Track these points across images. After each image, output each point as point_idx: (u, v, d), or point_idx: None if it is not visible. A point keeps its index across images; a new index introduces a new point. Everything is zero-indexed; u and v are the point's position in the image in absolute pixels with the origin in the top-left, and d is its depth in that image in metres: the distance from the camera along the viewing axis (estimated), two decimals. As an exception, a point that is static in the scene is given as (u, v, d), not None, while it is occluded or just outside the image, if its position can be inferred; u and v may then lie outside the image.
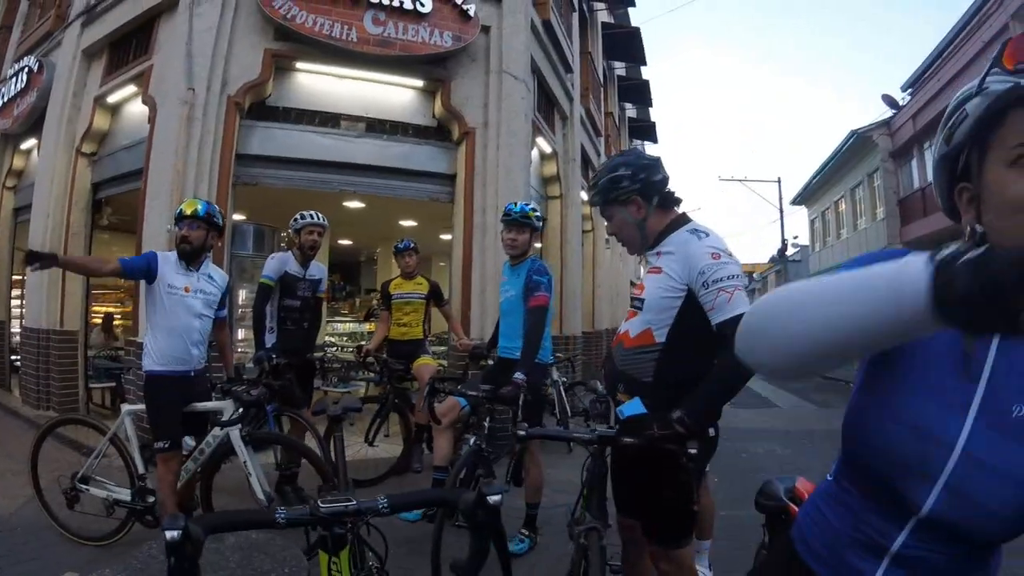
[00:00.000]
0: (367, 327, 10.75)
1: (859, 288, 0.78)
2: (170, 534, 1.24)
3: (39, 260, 3.36)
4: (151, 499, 3.88)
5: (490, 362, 4.65)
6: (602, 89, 14.69)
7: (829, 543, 1.17)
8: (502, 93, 7.30)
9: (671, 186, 2.50)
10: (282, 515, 1.48)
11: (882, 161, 21.58)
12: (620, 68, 18.01)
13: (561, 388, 7.03)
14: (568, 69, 10.27)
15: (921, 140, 18.98)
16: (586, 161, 12.01)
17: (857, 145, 22.98)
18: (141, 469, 3.97)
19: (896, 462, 1.03)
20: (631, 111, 22.07)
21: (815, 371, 0.91)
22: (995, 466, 0.95)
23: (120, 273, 3.78)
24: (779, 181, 30.01)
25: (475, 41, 7.21)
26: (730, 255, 2.25)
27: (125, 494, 3.96)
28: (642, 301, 2.37)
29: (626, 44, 15.87)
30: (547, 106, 9.56)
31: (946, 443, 0.98)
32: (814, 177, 28.84)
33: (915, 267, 0.71)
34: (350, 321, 11.48)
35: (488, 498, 1.53)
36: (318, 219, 5.16)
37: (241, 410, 3.85)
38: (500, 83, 7.32)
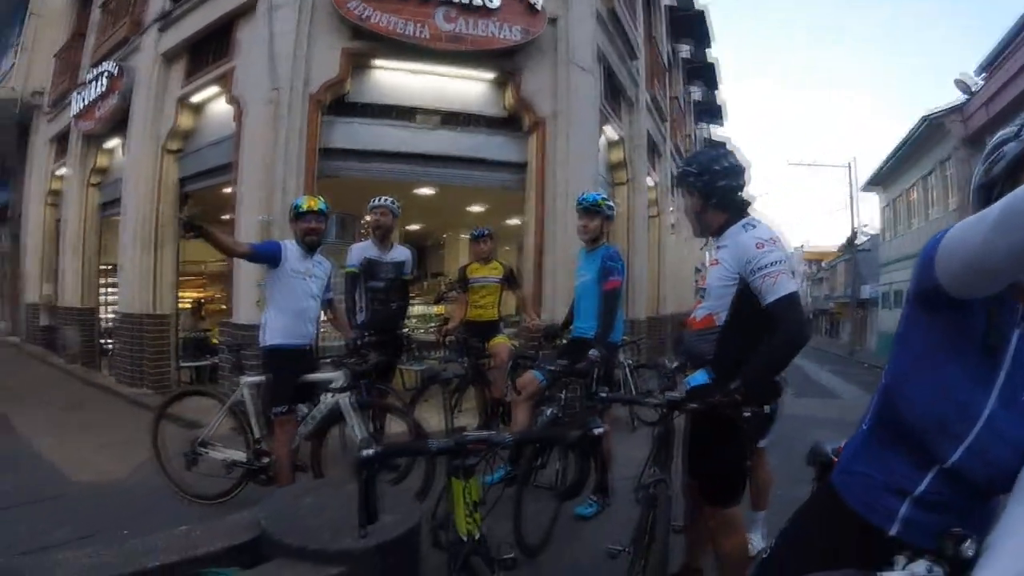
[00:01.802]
0: (436, 309, 11.43)
1: None
2: (365, 453, 1.82)
3: (194, 230, 4.00)
4: (265, 460, 4.55)
5: (563, 341, 5.14)
6: (667, 73, 15.02)
7: (862, 484, 1.44)
8: (570, 83, 7.86)
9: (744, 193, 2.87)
10: (433, 444, 2.06)
11: (955, 149, 21.26)
12: (685, 50, 18.26)
13: (627, 370, 7.51)
14: (633, 55, 10.75)
15: (995, 129, 18.57)
16: (652, 146, 12.39)
17: (929, 132, 22.56)
18: (257, 433, 4.64)
19: (931, 422, 1.29)
20: (697, 93, 22.27)
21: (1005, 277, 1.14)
22: (1008, 436, 1.24)
23: (250, 255, 4.52)
24: (850, 166, 29.53)
25: (543, 33, 7.77)
26: (775, 243, 2.59)
27: (241, 456, 4.63)
28: (705, 290, 2.84)
29: (691, 26, 16.14)
30: (613, 93, 10.08)
31: (974, 413, 1.26)
32: (886, 163, 28.37)
33: None
34: (420, 303, 12.11)
35: (592, 430, 2.07)
36: (384, 202, 5.81)
37: (352, 379, 4.56)
38: (568, 73, 7.88)
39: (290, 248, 4.59)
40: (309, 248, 4.62)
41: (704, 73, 19.81)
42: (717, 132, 28.83)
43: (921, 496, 1.30)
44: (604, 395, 3.16)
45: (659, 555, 2.62)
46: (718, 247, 2.84)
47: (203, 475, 4.69)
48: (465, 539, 2.01)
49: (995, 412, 1.24)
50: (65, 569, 2.63)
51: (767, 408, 2.82)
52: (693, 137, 22.64)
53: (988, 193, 1.30)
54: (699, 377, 2.79)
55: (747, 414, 2.49)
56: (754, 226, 2.70)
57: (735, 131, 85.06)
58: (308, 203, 4.64)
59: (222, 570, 2.76)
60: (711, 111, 23.76)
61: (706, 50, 18.82)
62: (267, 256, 4.50)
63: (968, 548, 1.13)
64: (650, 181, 11.57)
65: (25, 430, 6.81)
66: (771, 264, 2.52)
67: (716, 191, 2.81)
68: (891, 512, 1.31)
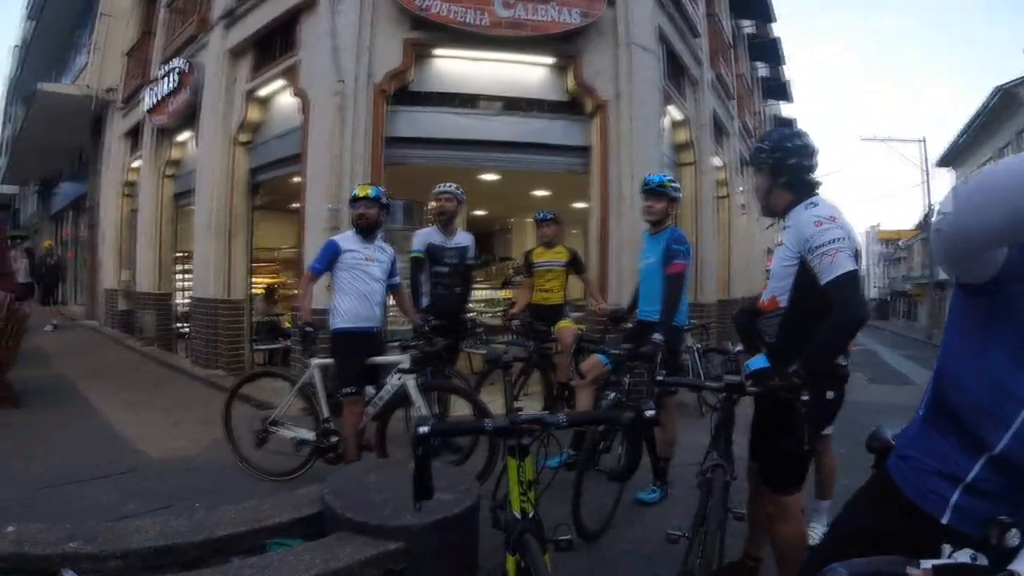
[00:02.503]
0: (502, 294, 11.62)
1: None
2: (421, 430, 1.93)
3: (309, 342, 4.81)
4: (333, 439, 4.81)
5: (629, 324, 5.21)
6: (731, 50, 14.83)
7: (914, 470, 1.45)
8: (631, 64, 7.91)
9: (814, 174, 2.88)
10: (489, 424, 2.16)
11: None
12: (749, 26, 17.98)
13: (696, 354, 7.56)
14: (695, 33, 10.69)
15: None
16: (718, 126, 12.29)
17: (1003, 103, 21.73)
18: (325, 413, 4.88)
19: (978, 408, 1.28)
20: (763, 70, 21.90)
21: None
22: None
23: (321, 273, 4.88)
24: (923, 141, 28.63)
25: (602, 15, 7.84)
26: (834, 221, 2.58)
27: (310, 435, 4.88)
28: (769, 272, 2.91)
29: (753, 2, 15.90)
30: (676, 73, 10.05)
31: (1019, 398, 1.23)
32: (960, 137, 27.38)
33: None
34: (486, 288, 12.33)
35: (645, 412, 2.18)
36: (449, 188, 6.04)
37: (418, 361, 4.80)
38: (629, 55, 7.93)
39: (347, 238, 4.91)
40: (362, 233, 4.88)
41: (768, 50, 19.46)
42: (785, 110, 28.32)
43: (972, 484, 1.30)
44: (661, 379, 3.19)
45: (711, 541, 2.60)
46: (784, 228, 2.87)
47: (273, 453, 4.99)
48: (519, 517, 2.11)
49: None
50: (140, 536, 2.89)
51: (830, 394, 2.80)
52: (762, 115, 22.29)
53: None
54: (759, 361, 2.81)
55: (805, 398, 2.50)
56: (815, 204, 2.72)
57: (803, 108, 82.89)
58: (360, 190, 4.94)
59: (286, 540, 2.99)
60: (778, 88, 23.30)
61: (769, 26, 18.50)
62: (329, 261, 4.83)
63: (1012, 537, 1.10)
64: (717, 161, 11.47)
65: (103, 408, 7.28)
66: (829, 242, 2.52)
67: (785, 169, 2.84)
68: (943, 499, 1.31)
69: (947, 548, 1.12)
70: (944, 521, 1.27)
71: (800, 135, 2.91)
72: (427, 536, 2.76)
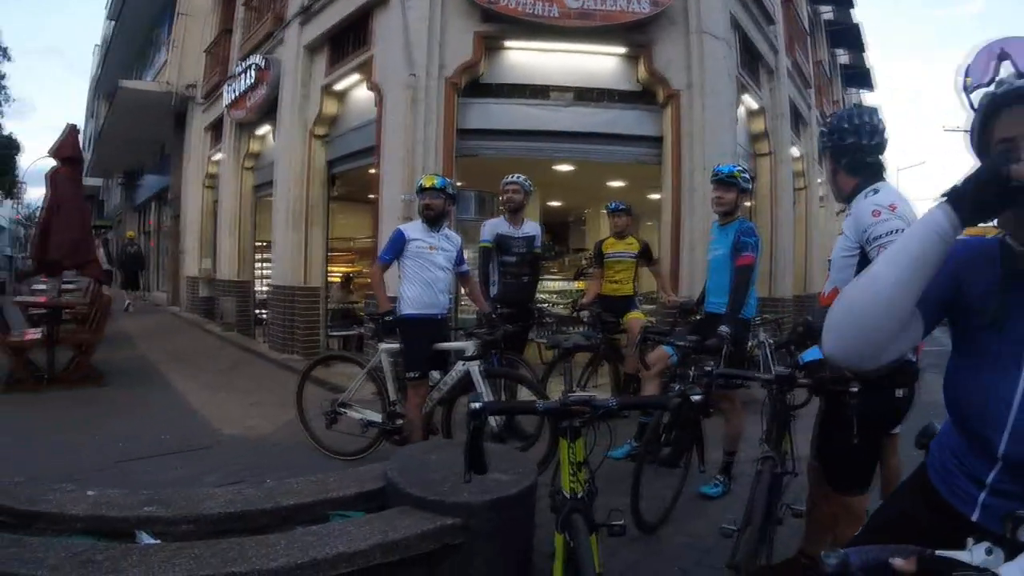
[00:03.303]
0: (576, 285, 11.74)
1: (904, 239, 1.20)
2: (474, 406, 2.06)
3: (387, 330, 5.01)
4: (399, 421, 5.03)
5: (698, 316, 5.21)
6: (808, 37, 14.53)
7: (946, 470, 1.43)
8: (704, 53, 7.88)
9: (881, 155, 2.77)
10: (540, 405, 2.31)
11: None
12: (828, 12, 17.56)
13: (768, 349, 7.51)
14: (770, 20, 10.53)
15: None
16: (796, 115, 12.08)
17: None
18: (393, 396, 5.11)
19: (975, 415, 1.26)
20: (843, 57, 21.31)
21: (887, 336, 1.23)
22: None
23: (388, 265, 5.04)
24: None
25: (673, 4, 7.82)
26: (893, 210, 2.49)
27: (377, 417, 5.12)
28: (830, 262, 2.82)
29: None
30: (751, 61, 9.95)
31: (1006, 399, 1.22)
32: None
33: (935, 207, 1.14)
34: (559, 279, 12.44)
35: (691, 398, 2.26)
36: (516, 179, 6.14)
37: (481, 348, 4.97)
38: (701, 43, 7.89)
39: (414, 227, 5.09)
40: (429, 222, 5.05)
41: (849, 36, 18.94)
42: (868, 99, 27.49)
43: (993, 485, 1.27)
44: (709, 370, 3.12)
45: (752, 534, 2.60)
46: (846, 215, 2.81)
47: (342, 433, 5.24)
48: (568, 496, 2.19)
49: None
50: (211, 502, 3.08)
51: (900, 391, 2.66)
52: (842, 104, 21.74)
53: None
54: (812, 353, 2.81)
55: (854, 390, 2.45)
56: (876, 191, 2.63)
57: (887, 97, 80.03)
58: (426, 181, 5.09)
59: (349, 512, 3.13)
60: (860, 76, 22.66)
61: (850, 11, 18.02)
62: (397, 251, 5.00)
63: None
64: (795, 151, 11.28)
65: (183, 389, 7.75)
66: (887, 234, 2.46)
67: (844, 150, 2.76)
68: (972, 498, 1.29)
69: (971, 541, 1.12)
70: (974, 519, 1.26)
71: (861, 113, 2.80)
72: (484, 513, 2.85)
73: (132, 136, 19.42)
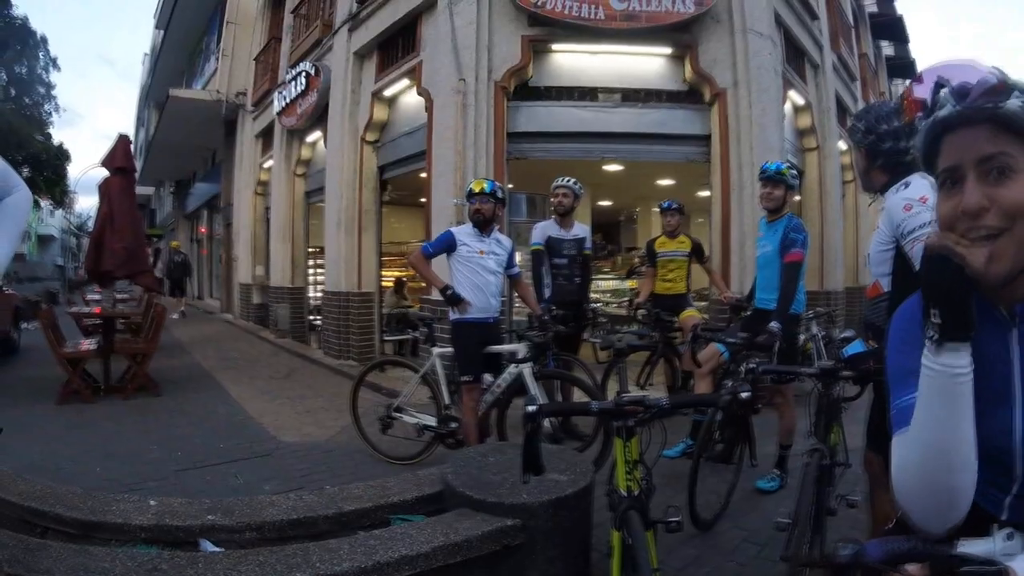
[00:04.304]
0: (628, 284, 11.82)
1: (922, 407, 1.11)
2: (530, 409, 2.06)
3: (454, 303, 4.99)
4: (453, 425, 5.09)
5: (748, 313, 5.27)
6: (853, 30, 14.42)
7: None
8: (749, 51, 7.92)
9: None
10: (595, 406, 2.36)
11: None
12: (871, 4, 17.40)
13: (821, 342, 7.55)
14: (813, 16, 10.50)
15: None
16: (843, 109, 11.99)
17: None
18: (447, 400, 5.18)
19: (985, 445, 1.13)
20: (888, 48, 21.05)
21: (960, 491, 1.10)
22: None
23: (431, 257, 5.13)
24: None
25: (717, 3, 7.89)
26: (924, 203, 2.44)
27: (432, 421, 5.20)
28: (869, 256, 2.83)
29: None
30: (796, 57, 9.93)
31: (1009, 430, 1.16)
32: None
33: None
34: (612, 278, 12.51)
35: (740, 394, 2.30)
36: (566, 182, 6.23)
37: (533, 350, 5.06)
38: (746, 41, 7.94)
39: (463, 231, 5.16)
40: (479, 227, 5.13)
41: (893, 28, 18.78)
42: (914, 89, 27.05)
43: (1017, 493, 1.20)
44: (754, 366, 3.10)
45: (802, 526, 2.65)
46: (880, 209, 2.81)
47: (397, 438, 5.33)
48: (625, 494, 2.25)
49: None
50: (274, 509, 3.17)
51: None
52: (888, 95, 21.46)
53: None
54: (856, 346, 2.88)
55: None
56: (907, 185, 2.61)
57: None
58: (476, 185, 5.17)
59: (409, 516, 3.20)
60: (904, 67, 22.37)
61: (892, 3, 17.84)
62: (442, 248, 5.10)
63: None
64: (843, 145, 11.21)
65: (239, 396, 7.87)
66: (919, 227, 2.43)
67: (881, 153, 2.74)
68: (999, 501, 1.21)
69: (995, 527, 1.13)
70: (1003, 519, 1.18)
71: (896, 114, 2.74)
72: (542, 514, 2.90)
73: (182, 144, 19.90)
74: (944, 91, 1.14)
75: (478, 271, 5.06)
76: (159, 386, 7.87)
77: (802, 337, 6.21)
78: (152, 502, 3.21)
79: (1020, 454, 1.15)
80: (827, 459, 2.94)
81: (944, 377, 1.07)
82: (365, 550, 2.64)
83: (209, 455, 5.52)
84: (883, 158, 2.75)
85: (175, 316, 16.19)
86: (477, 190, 5.12)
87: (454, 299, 4.93)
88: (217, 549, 2.88)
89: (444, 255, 5.12)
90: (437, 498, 3.30)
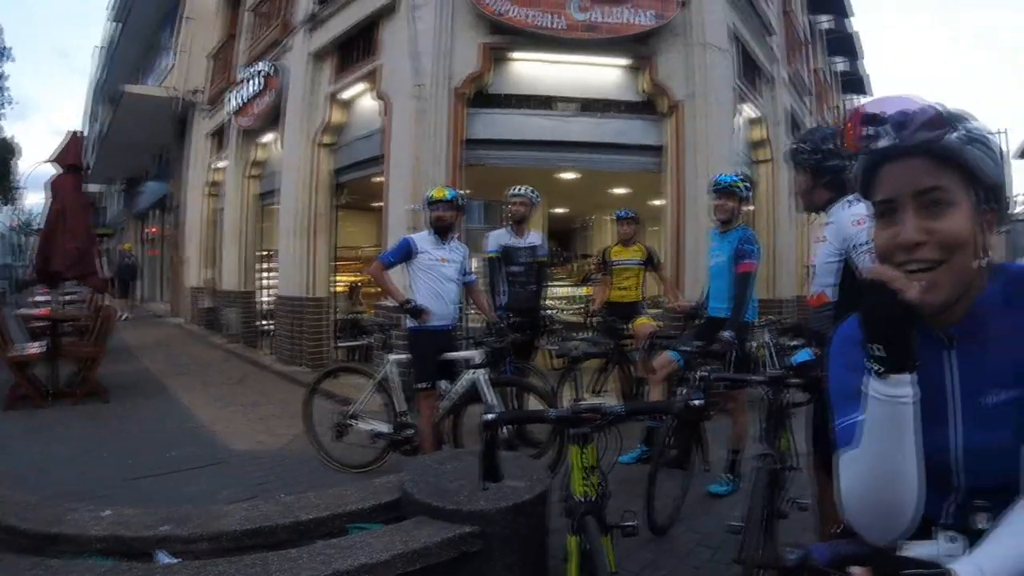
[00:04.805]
0: (582, 291, 11.89)
1: (869, 432, 1.15)
2: (488, 417, 2.18)
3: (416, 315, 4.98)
4: (408, 432, 5.10)
5: (700, 321, 5.35)
6: (807, 46, 14.75)
7: None
8: (705, 65, 8.09)
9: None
10: (551, 413, 2.45)
11: None
12: (826, 21, 17.84)
13: (772, 349, 7.68)
14: (769, 31, 10.76)
15: None
16: (795, 123, 12.27)
17: None
18: (401, 407, 5.18)
19: (926, 464, 1.17)
20: (841, 65, 21.64)
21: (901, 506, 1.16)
22: (985, 448, 1.20)
23: (388, 266, 5.15)
24: (1004, 133, 27.85)
25: (675, 16, 8.03)
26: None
27: (386, 428, 5.17)
28: (812, 267, 2.99)
29: (829, -3, 15.82)
30: (751, 71, 10.13)
31: (946, 446, 1.23)
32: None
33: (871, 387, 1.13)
34: (566, 285, 12.55)
35: (692, 402, 2.37)
36: (523, 191, 6.27)
37: (488, 357, 5.08)
38: (702, 55, 8.11)
39: (422, 238, 5.18)
40: (438, 234, 5.16)
41: (846, 44, 19.32)
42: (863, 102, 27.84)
43: (956, 499, 1.27)
44: (707, 373, 3.33)
45: (754, 529, 2.75)
46: (825, 224, 2.97)
47: (351, 446, 5.32)
48: (581, 500, 2.28)
49: (969, 437, 1.22)
50: (229, 519, 3.12)
51: None
52: (840, 110, 22.00)
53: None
54: (803, 355, 3.00)
55: None
56: (851, 203, 2.76)
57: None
58: (437, 193, 5.20)
59: (367, 524, 3.18)
60: (856, 83, 23.02)
61: (847, 20, 18.34)
62: (402, 257, 5.11)
63: (979, 520, 1.16)
64: (792, 157, 11.46)
65: (190, 403, 7.75)
66: (867, 242, 2.51)
67: (827, 170, 2.87)
68: (940, 507, 1.27)
69: (936, 531, 1.20)
70: (941, 521, 1.25)
71: (839, 135, 2.92)
72: (500, 520, 2.92)
73: (134, 142, 19.41)
74: (885, 123, 1.16)
75: (438, 279, 5.10)
76: (108, 392, 7.71)
77: (754, 344, 6.35)
78: (106, 512, 3.14)
79: (958, 468, 1.22)
80: (777, 463, 3.05)
81: (890, 405, 1.11)
82: (324, 559, 2.63)
83: (161, 463, 5.45)
84: (828, 175, 2.87)
85: (122, 318, 15.82)
86: (439, 197, 5.15)
87: (416, 311, 4.94)
88: (173, 560, 2.84)
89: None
90: (395, 506, 3.30)
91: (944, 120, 1.11)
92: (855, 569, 1.10)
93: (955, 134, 1.11)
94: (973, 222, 1.13)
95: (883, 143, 1.15)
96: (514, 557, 2.99)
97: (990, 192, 1.16)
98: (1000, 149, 1.15)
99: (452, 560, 2.85)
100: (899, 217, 1.16)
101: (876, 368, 1.12)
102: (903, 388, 1.10)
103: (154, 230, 23.10)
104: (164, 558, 2.85)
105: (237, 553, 2.84)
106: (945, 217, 1.12)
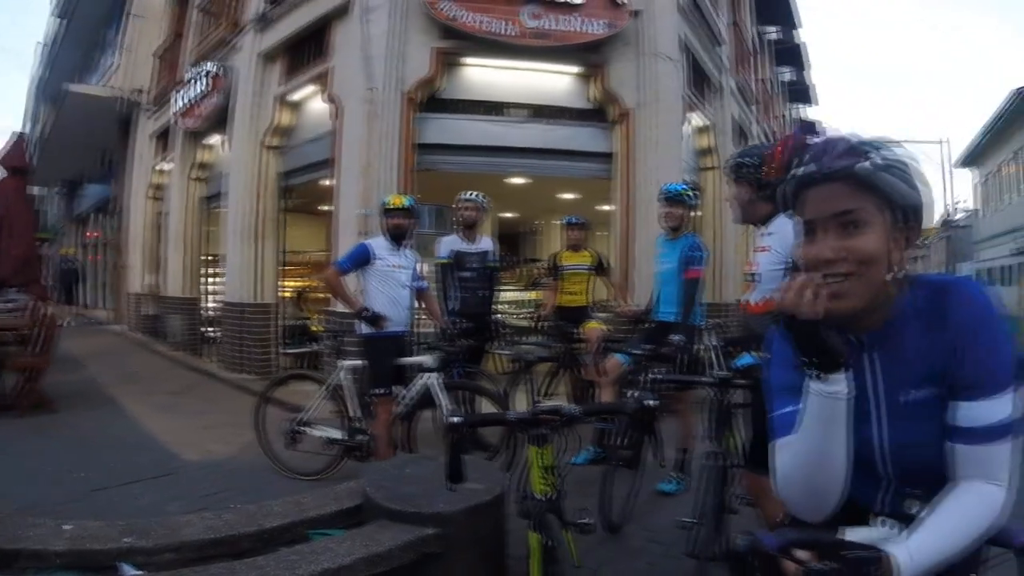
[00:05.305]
0: (530, 295, 11.95)
1: (807, 423, 1.28)
2: (453, 419, 2.25)
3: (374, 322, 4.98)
4: (361, 437, 5.10)
5: (648, 325, 5.47)
6: (754, 57, 15.08)
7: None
8: (655, 74, 8.24)
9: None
10: (512, 415, 2.50)
11: None
12: (773, 33, 18.25)
13: (715, 352, 7.81)
14: (718, 42, 11.01)
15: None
16: (740, 131, 12.55)
17: (1022, 105, 22.17)
18: (354, 413, 5.18)
19: (855, 456, 1.31)
20: (788, 75, 22.16)
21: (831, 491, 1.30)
22: (907, 442, 1.32)
23: (345, 273, 5.16)
24: (944, 142, 29.03)
25: (627, 26, 8.16)
26: None
27: (339, 434, 5.16)
28: (755, 275, 3.13)
29: (777, 9, 16.16)
30: (699, 81, 10.36)
31: (871, 440, 1.35)
32: (980, 138, 27.93)
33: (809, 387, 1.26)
34: (514, 289, 12.55)
35: (645, 402, 2.49)
36: (473, 196, 6.32)
37: (442, 361, 5.14)
38: (652, 64, 8.26)
39: (379, 244, 5.20)
40: (394, 240, 5.20)
41: (793, 55, 19.80)
42: (809, 113, 28.53)
43: (888, 488, 1.39)
44: (658, 376, 3.51)
45: (706, 525, 2.91)
46: (765, 234, 3.13)
47: (303, 453, 5.26)
48: (541, 499, 2.38)
49: (891, 432, 1.34)
50: (191, 529, 3.08)
51: None
52: (784, 119, 22.52)
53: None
54: (746, 358, 3.13)
55: None
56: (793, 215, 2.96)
57: (827, 111, 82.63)
58: (394, 200, 5.25)
59: (329, 531, 3.19)
60: (802, 92, 23.62)
61: (794, 31, 18.79)
62: (358, 263, 5.12)
63: (911, 507, 1.31)
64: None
65: (137, 413, 7.53)
66: None
67: (769, 184, 3.06)
68: (873, 496, 1.39)
69: (873, 517, 1.35)
70: (881, 511, 1.38)
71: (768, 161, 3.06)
72: (460, 522, 2.99)
73: (76, 143, 18.60)
74: (807, 153, 1.30)
75: (394, 285, 5.14)
76: (54, 402, 7.48)
77: (700, 347, 6.49)
78: (67, 526, 3.07)
79: (884, 460, 1.35)
80: (724, 461, 3.20)
81: (828, 400, 1.24)
82: (288, 564, 2.65)
83: (112, 475, 5.30)
84: (770, 187, 2.94)
85: (64, 323, 15.31)
86: (398, 205, 5.20)
87: (374, 319, 4.94)
88: (137, 572, 2.81)
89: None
90: (356, 511, 3.32)
91: (858, 150, 1.24)
92: (800, 552, 1.18)
93: (868, 162, 1.22)
94: (887, 240, 1.26)
95: (804, 170, 1.29)
96: (475, 557, 3.08)
97: (904, 212, 1.27)
98: (916, 172, 1.28)
99: (414, 562, 2.90)
100: (819, 236, 1.29)
101: (814, 373, 1.24)
102: (839, 385, 1.23)
103: (94, 234, 22.47)
104: (129, 570, 2.82)
105: (201, 563, 2.84)
106: (859, 236, 1.25)
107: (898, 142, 1.30)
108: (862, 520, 1.35)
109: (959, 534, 1.21)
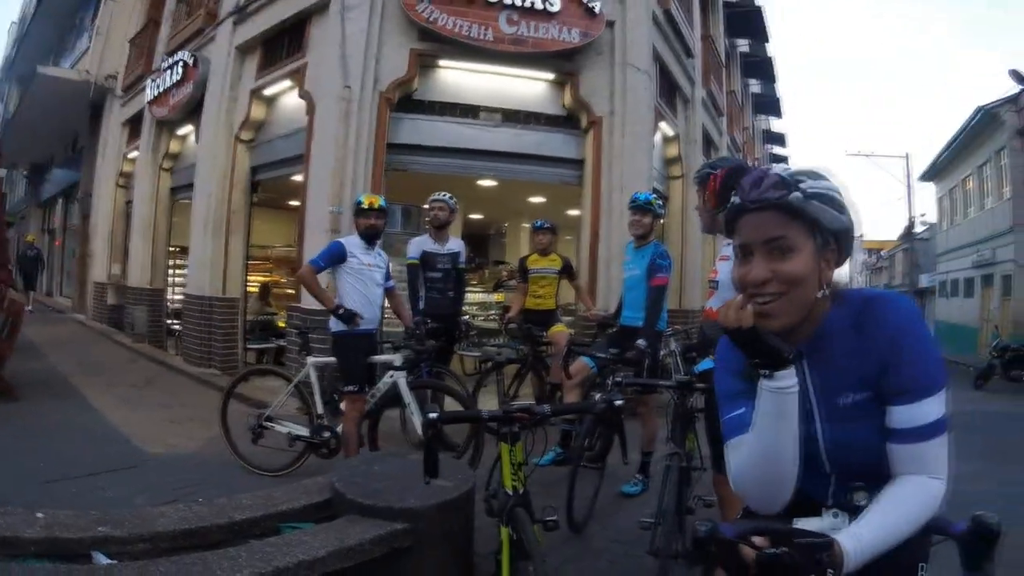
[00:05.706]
0: (495, 297, 12.03)
1: (761, 420, 1.39)
2: (430, 416, 2.38)
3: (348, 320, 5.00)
4: (326, 434, 5.13)
5: (613, 330, 5.60)
6: (724, 69, 15.32)
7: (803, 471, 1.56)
8: (627, 84, 8.38)
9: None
10: (485, 413, 2.60)
11: (1009, 139, 21.65)
12: (743, 45, 18.53)
13: (678, 357, 7.97)
14: (689, 54, 11.21)
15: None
16: (708, 141, 12.76)
17: (984, 122, 22.90)
18: (319, 410, 5.21)
19: (803, 453, 1.43)
20: (756, 87, 22.49)
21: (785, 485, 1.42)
22: (845, 441, 1.45)
23: (321, 270, 5.18)
24: (907, 157, 29.63)
25: (601, 36, 8.31)
26: None
27: (304, 431, 5.18)
28: (717, 283, 3.18)
29: (748, 23, 16.41)
30: (669, 91, 10.55)
31: (815, 438, 1.47)
32: (942, 154, 28.65)
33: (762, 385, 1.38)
34: (479, 291, 12.60)
35: (614, 402, 2.63)
36: (443, 197, 6.37)
37: (410, 360, 5.20)
38: (625, 74, 8.40)
39: (353, 243, 5.23)
40: (368, 240, 5.25)
41: (762, 68, 20.11)
42: (775, 125, 28.99)
43: (835, 483, 1.51)
44: (621, 379, 3.58)
45: (666, 524, 3.01)
46: (728, 244, 3.16)
47: (267, 449, 5.27)
48: (511, 493, 2.50)
49: (830, 431, 1.47)
50: (165, 520, 3.12)
51: None
52: (752, 130, 22.88)
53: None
54: (706, 363, 3.25)
55: None
56: None
57: (793, 124, 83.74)
58: (369, 200, 5.26)
59: (299, 524, 3.25)
60: (770, 104, 23.99)
61: (764, 45, 19.08)
62: (333, 261, 5.14)
63: (860, 499, 1.42)
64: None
65: (100, 404, 7.42)
66: None
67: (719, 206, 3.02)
68: (824, 491, 1.51)
69: (823, 510, 1.47)
70: (830, 503, 1.50)
71: (749, 164, 3.15)
72: (429, 517, 3.06)
73: (43, 126, 18.27)
74: (739, 185, 1.42)
75: (369, 283, 5.18)
76: (16, 390, 7.34)
77: (663, 352, 6.63)
78: (39, 515, 3.06)
79: (826, 457, 1.48)
80: (685, 462, 3.33)
81: (779, 395, 1.36)
82: (263, 556, 2.70)
83: (75, 466, 5.22)
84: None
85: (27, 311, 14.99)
86: (373, 205, 5.22)
87: (348, 317, 4.96)
88: (111, 561, 2.82)
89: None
90: (326, 506, 3.38)
91: (787, 183, 1.35)
92: (755, 538, 1.29)
93: (797, 193, 1.34)
94: (816, 261, 1.38)
95: (739, 200, 1.41)
96: (444, 552, 3.17)
97: (833, 235, 1.41)
98: (841, 200, 1.40)
99: (385, 556, 2.97)
100: (755, 258, 1.40)
101: (765, 373, 1.37)
102: (788, 380, 1.36)
103: (58, 220, 22.06)
104: (103, 559, 2.83)
105: (174, 553, 2.87)
106: (788, 260, 1.37)
107: (824, 175, 1.43)
108: (814, 512, 1.47)
109: (901, 523, 1.33)
